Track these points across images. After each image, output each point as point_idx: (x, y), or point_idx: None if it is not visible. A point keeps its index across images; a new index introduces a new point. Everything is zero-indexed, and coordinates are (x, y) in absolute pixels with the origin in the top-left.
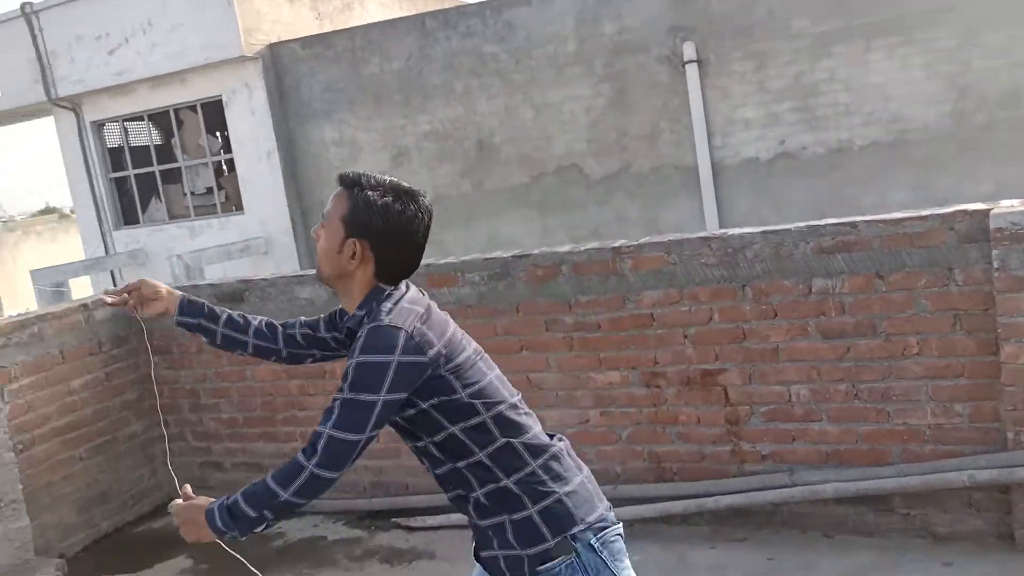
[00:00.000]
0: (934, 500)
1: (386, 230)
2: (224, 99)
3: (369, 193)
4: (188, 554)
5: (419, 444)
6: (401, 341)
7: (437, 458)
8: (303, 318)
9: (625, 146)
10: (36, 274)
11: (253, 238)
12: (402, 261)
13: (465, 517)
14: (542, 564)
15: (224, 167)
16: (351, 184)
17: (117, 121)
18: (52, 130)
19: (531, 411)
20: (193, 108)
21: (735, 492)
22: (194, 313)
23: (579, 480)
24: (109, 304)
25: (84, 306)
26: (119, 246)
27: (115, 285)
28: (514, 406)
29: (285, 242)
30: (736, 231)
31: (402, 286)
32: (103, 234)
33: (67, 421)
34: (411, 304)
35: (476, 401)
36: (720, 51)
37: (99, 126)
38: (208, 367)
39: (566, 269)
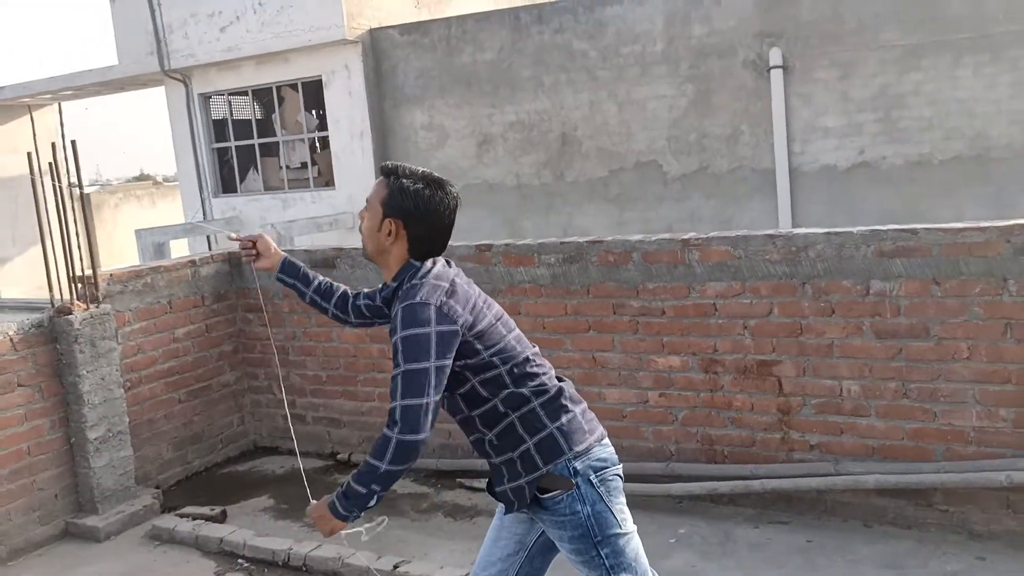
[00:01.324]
0: (973, 499)
1: (417, 212)
2: (324, 79)
3: (404, 181)
4: (270, 494)
5: (445, 396)
6: (433, 314)
7: (459, 407)
8: (366, 290)
9: (704, 146)
10: (140, 233)
11: (341, 213)
12: (431, 240)
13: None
14: (541, 492)
15: (318, 144)
16: (389, 173)
17: (223, 95)
18: (154, 101)
19: (542, 361)
20: (294, 86)
21: (781, 477)
22: (292, 273)
23: (571, 416)
24: (233, 239)
25: (192, 262)
26: (216, 212)
27: (210, 250)
28: (527, 359)
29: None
30: (800, 231)
31: (429, 263)
32: (203, 200)
33: (170, 366)
34: (437, 280)
35: (495, 358)
36: (806, 58)
37: (206, 98)
38: (298, 326)
39: (636, 256)
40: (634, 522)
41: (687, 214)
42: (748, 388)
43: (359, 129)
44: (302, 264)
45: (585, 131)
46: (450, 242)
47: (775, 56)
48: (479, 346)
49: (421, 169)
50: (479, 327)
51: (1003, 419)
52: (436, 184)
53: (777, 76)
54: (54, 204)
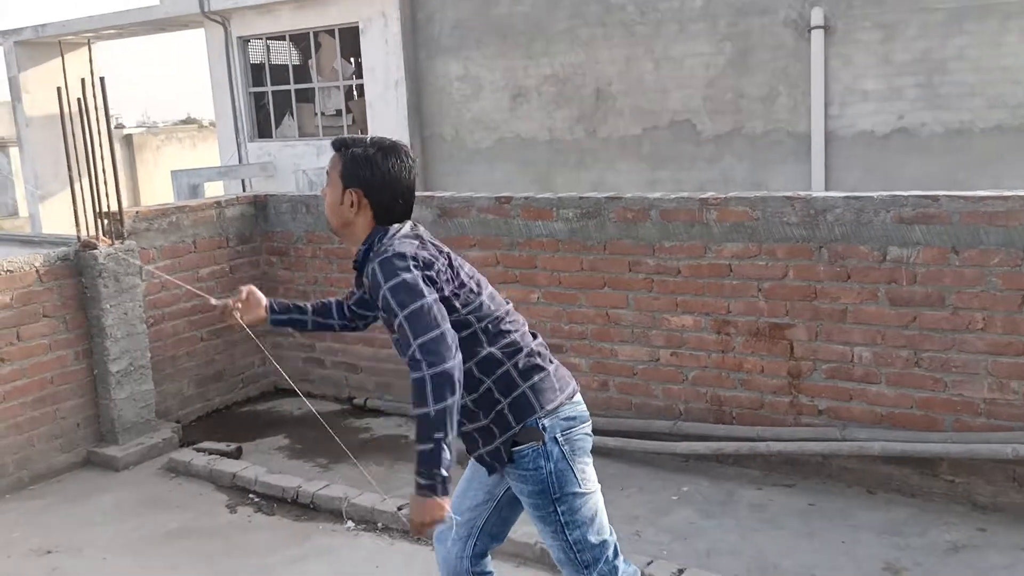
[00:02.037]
0: (979, 471)
1: (375, 179)
2: (361, 26)
3: (356, 150)
4: (286, 434)
5: None
6: (409, 261)
7: None
8: (353, 291)
9: (740, 107)
10: (175, 174)
11: None
12: (393, 204)
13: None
14: (514, 447)
15: (355, 92)
16: (340, 146)
17: (261, 39)
18: (200, 43)
19: (516, 318)
20: (331, 32)
21: (787, 440)
22: (283, 311)
23: (543, 375)
24: (212, 304)
25: (217, 203)
26: (251, 157)
27: (244, 191)
28: (500, 318)
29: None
30: (820, 194)
31: (397, 225)
32: (238, 145)
33: (193, 304)
34: (407, 238)
35: (471, 316)
36: (848, 19)
37: (244, 42)
38: (319, 271)
39: (654, 214)
40: (636, 480)
41: (719, 176)
42: (759, 350)
43: (394, 78)
44: (289, 302)
45: (620, 87)
46: (471, 193)
47: (816, 16)
48: (456, 304)
49: (371, 137)
50: (453, 285)
51: (1015, 392)
52: (389, 149)
53: (818, 37)
54: (83, 141)
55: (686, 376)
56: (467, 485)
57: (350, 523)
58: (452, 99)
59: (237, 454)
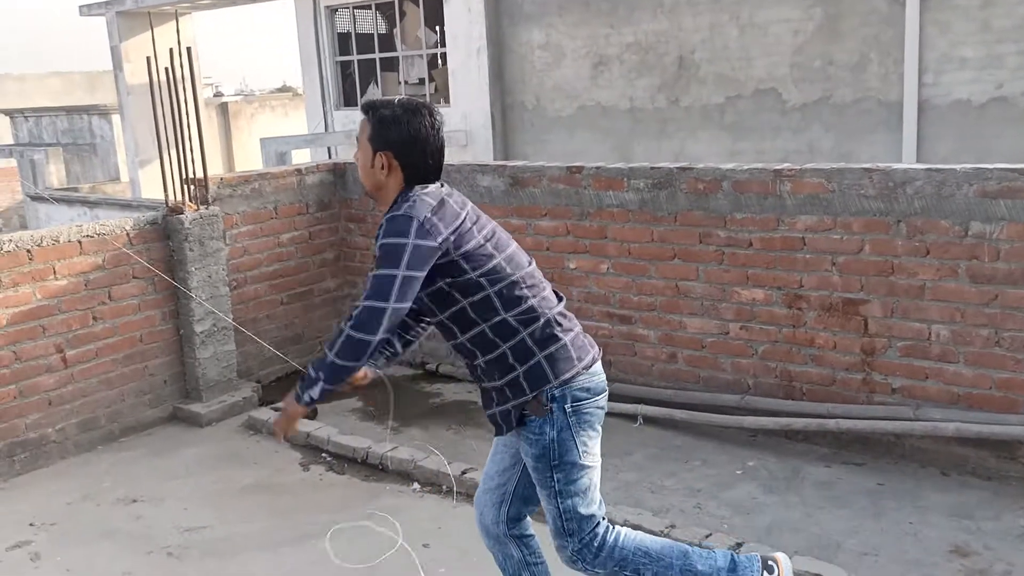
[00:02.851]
0: None
1: (403, 140)
2: None
3: (383, 111)
4: (359, 397)
5: (437, 319)
6: (414, 227)
7: (451, 330)
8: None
9: (828, 75)
10: (264, 142)
11: (455, 130)
12: (424, 165)
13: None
14: (523, 414)
15: (438, 60)
16: (367, 109)
17: (348, 8)
18: (291, 13)
19: (536, 282)
20: (415, 1)
21: (859, 418)
22: (375, 357)
23: (560, 344)
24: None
25: (298, 171)
26: (337, 125)
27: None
28: (516, 282)
29: (484, 136)
30: (900, 166)
31: (422, 186)
32: (324, 113)
33: (274, 269)
34: (425, 197)
35: (483, 279)
36: None
37: (332, 11)
38: None
39: (727, 185)
40: (701, 453)
41: (805, 146)
42: (832, 326)
43: (476, 46)
44: (381, 361)
45: (703, 55)
46: (543, 162)
47: None
48: (465, 266)
49: (398, 98)
50: (465, 248)
51: None
52: (414, 110)
53: (913, 2)
54: (171, 109)
55: (755, 350)
56: (495, 450)
57: (416, 485)
58: (534, 67)
59: (312, 414)
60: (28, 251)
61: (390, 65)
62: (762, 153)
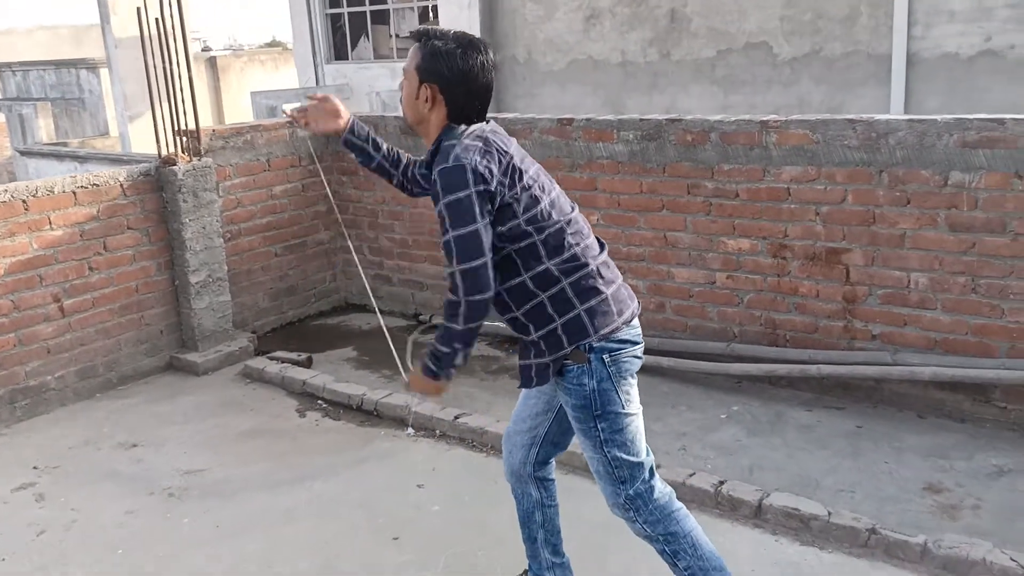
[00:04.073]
0: None
1: (451, 75)
2: None
3: (436, 43)
4: (354, 347)
5: None
6: (470, 175)
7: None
8: (422, 158)
9: (819, 28)
10: (254, 95)
11: None
12: (469, 102)
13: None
14: (563, 367)
15: (430, 13)
16: (420, 37)
17: None
18: None
19: (580, 228)
20: None
21: (839, 364)
22: (361, 136)
23: (601, 298)
24: (287, 115)
25: (291, 123)
26: (328, 79)
27: None
28: (561, 229)
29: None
30: (883, 117)
31: (465, 125)
32: (315, 66)
33: (267, 221)
34: (471, 140)
35: (531, 227)
36: None
37: None
38: (387, 191)
39: (714, 137)
40: (687, 399)
41: (795, 100)
42: (815, 275)
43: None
44: (370, 129)
45: (695, 8)
46: (534, 115)
47: None
48: (517, 208)
49: (453, 30)
50: (515, 189)
51: None
52: (469, 44)
53: None
54: (162, 62)
55: (741, 299)
56: (527, 394)
57: (411, 430)
58: (525, 20)
59: (308, 363)
60: (24, 201)
61: (381, 18)
62: (753, 107)
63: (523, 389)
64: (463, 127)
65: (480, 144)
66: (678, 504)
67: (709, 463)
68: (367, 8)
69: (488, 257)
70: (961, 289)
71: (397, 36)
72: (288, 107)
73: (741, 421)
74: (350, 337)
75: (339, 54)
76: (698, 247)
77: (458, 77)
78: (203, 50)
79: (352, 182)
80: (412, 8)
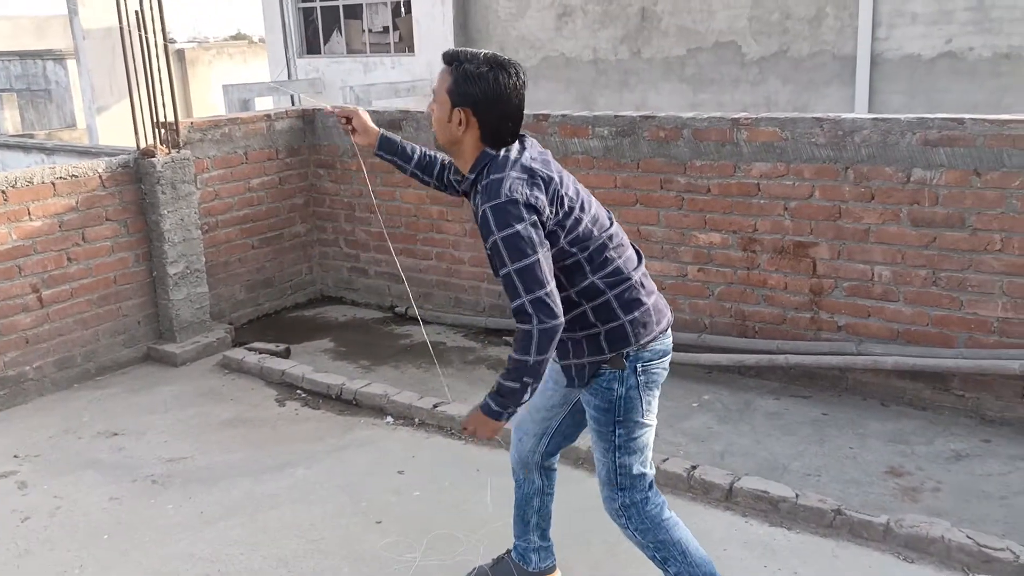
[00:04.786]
0: (989, 387)
1: (484, 97)
2: None
3: (467, 66)
4: (331, 338)
5: None
6: (522, 211)
7: None
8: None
9: (786, 28)
10: (227, 88)
11: (420, 79)
12: (502, 124)
13: None
14: (598, 369)
15: (402, 8)
16: (451, 60)
17: None
18: None
19: (621, 241)
20: None
21: (806, 354)
22: (390, 150)
23: (644, 309)
24: (329, 112)
25: (267, 116)
26: (300, 73)
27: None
28: (604, 245)
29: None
30: (848, 115)
31: (504, 151)
32: (287, 60)
33: (244, 213)
34: (517, 173)
35: (575, 247)
36: None
37: None
38: (364, 184)
39: (687, 133)
40: (662, 387)
41: (763, 99)
42: (783, 268)
43: None
44: (398, 139)
45: (665, 7)
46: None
47: None
48: (560, 233)
49: (483, 52)
50: (559, 215)
51: None
52: (500, 66)
53: None
54: (141, 54)
55: (712, 291)
56: (544, 387)
57: (389, 418)
58: (498, 17)
59: (286, 354)
60: (3, 192)
61: (354, 12)
62: (721, 105)
63: (566, 386)
64: (504, 154)
65: (526, 176)
66: (669, 513)
67: (682, 449)
68: (340, 2)
69: (553, 284)
70: (922, 282)
71: (370, 31)
72: (330, 106)
73: (712, 409)
74: (327, 329)
75: (311, 48)
76: (671, 240)
77: (491, 99)
78: (168, 41)
79: (329, 175)
80: (385, 3)
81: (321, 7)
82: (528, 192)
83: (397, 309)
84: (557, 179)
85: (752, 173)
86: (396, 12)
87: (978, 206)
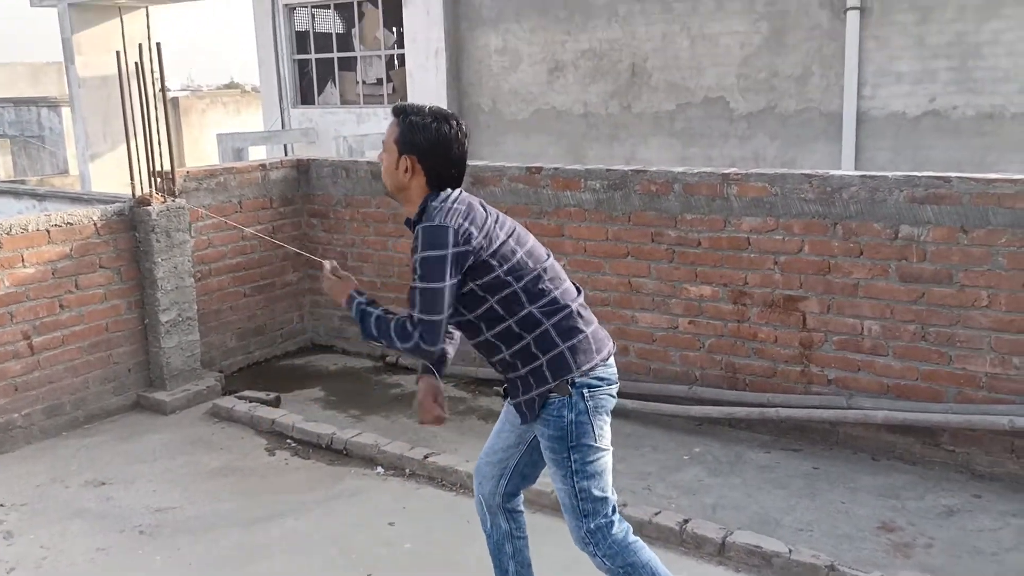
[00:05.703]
0: (979, 442)
1: (428, 145)
2: None
3: (413, 118)
4: (321, 387)
5: (463, 319)
6: (451, 237)
7: (476, 328)
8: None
9: (773, 86)
10: (221, 137)
11: None
12: (446, 171)
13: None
14: (547, 400)
15: (396, 61)
16: (399, 113)
17: (306, 7)
18: (245, 10)
19: (556, 274)
20: (375, 2)
21: (797, 407)
22: (441, 373)
23: (582, 336)
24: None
25: (262, 166)
26: (294, 123)
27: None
28: (539, 276)
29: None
30: (837, 172)
31: (447, 191)
32: (281, 110)
33: (237, 261)
34: (455, 204)
35: (510, 277)
36: (885, 0)
37: (290, 10)
38: (357, 234)
39: (678, 187)
40: (650, 440)
41: (751, 153)
42: (774, 321)
43: (434, 48)
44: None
45: (655, 63)
46: (503, 162)
47: None
48: (494, 263)
49: (428, 106)
50: (493, 247)
51: (1016, 367)
52: (443, 118)
53: (853, 17)
54: (139, 103)
55: (703, 344)
56: (500, 427)
57: (380, 469)
58: (491, 70)
59: (276, 403)
60: None
61: (348, 65)
62: (710, 159)
63: (499, 422)
64: (447, 193)
65: (463, 208)
66: (634, 537)
67: (673, 502)
68: (334, 55)
69: (446, 315)
70: (911, 336)
71: (364, 83)
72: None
73: (703, 462)
74: (318, 378)
75: (305, 98)
76: (661, 293)
77: (434, 147)
78: (153, 85)
79: (322, 225)
80: (380, 56)
81: (316, 59)
82: (462, 222)
83: (388, 358)
84: (493, 216)
85: (742, 227)
86: (390, 65)
87: (965, 263)
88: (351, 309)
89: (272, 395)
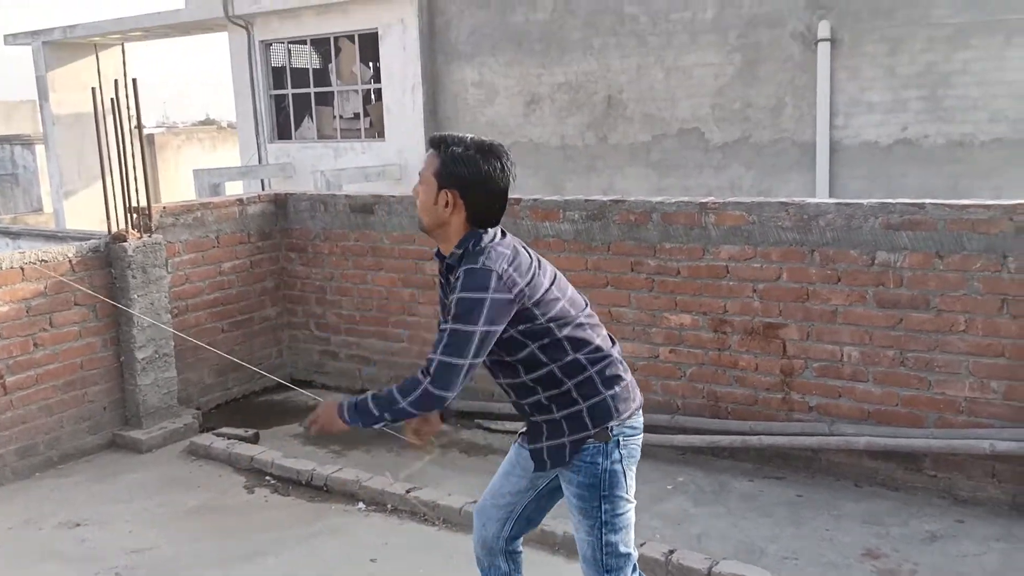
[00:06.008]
0: (960, 467)
1: (471, 179)
2: (380, 32)
3: (455, 149)
4: (301, 421)
5: (502, 360)
6: (493, 281)
7: (513, 370)
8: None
9: (747, 116)
10: (197, 173)
11: (390, 164)
12: (488, 206)
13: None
14: (581, 446)
15: (372, 96)
16: (439, 144)
17: (283, 43)
18: (220, 47)
19: (596, 320)
20: (351, 38)
21: (779, 435)
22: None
23: (624, 384)
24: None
25: (240, 200)
26: (271, 158)
27: (263, 189)
28: (581, 324)
29: (418, 171)
30: (813, 200)
31: (491, 231)
32: (258, 146)
33: (215, 296)
34: (502, 248)
35: (552, 324)
36: (855, 32)
37: (267, 46)
38: (336, 268)
39: (656, 217)
40: (636, 469)
41: (727, 183)
42: (754, 349)
43: (411, 83)
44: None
45: (631, 95)
46: None
47: (823, 29)
48: (536, 312)
49: (470, 136)
50: (536, 295)
51: (994, 391)
52: (488, 150)
53: (824, 49)
54: (115, 139)
55: (684, 372)
56: (510, 469)
57: (361, 504)
58: (467, 104)
59: (254, 439)
60: None
61: (325, 99)
62: (687, 189)
63: (506, 463)
64: (491, 232)
65: (509, 252)
66: None
67: (658, 532)
68: (311, 90)
69: (471, 362)
70: (890, 362)
71: (341, 117)
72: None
73: (687, 491)
74: (297, 413)
75: (283, 133)
76: (642, 322)
77: (478, 181)
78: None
79: (300, 259)
80: (356, 91)
81: (293, 94)
82: (506, 267)
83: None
84: (535, 261)
85: (721, 256)
86: (367, 99)
87: (941, 288)
88: (347, 414)
89: (250, 432)
